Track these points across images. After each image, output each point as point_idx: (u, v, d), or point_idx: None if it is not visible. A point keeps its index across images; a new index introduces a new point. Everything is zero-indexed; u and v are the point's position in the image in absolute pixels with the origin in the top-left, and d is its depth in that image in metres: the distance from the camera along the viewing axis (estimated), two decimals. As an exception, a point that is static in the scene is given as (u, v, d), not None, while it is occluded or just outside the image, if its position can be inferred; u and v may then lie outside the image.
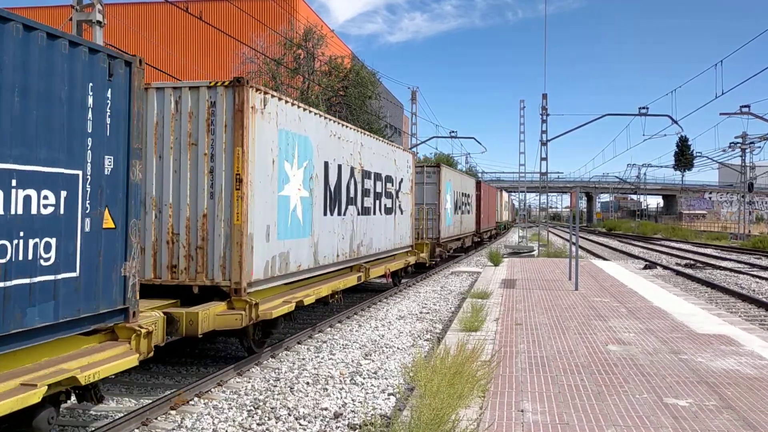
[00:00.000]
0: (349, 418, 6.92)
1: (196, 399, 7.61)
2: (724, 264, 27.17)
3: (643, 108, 31.84)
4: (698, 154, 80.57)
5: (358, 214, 13.27)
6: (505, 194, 60.87)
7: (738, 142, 50.31)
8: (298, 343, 10.80)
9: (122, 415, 6.82)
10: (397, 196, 16.76)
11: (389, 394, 7.82)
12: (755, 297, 16.55)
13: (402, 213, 17.19)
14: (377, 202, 14.67)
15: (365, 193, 13.77)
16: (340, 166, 12.14)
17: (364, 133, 14.03)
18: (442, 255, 23.77)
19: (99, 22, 11.17)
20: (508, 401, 6.32)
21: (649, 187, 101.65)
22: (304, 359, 9.69)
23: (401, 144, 51.70)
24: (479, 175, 77.84)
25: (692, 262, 28.40)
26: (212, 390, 8.02)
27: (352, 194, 12.84)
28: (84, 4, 11.41)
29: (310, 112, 10.62)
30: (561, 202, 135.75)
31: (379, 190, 14.90)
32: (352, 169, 12.93)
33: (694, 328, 10.33)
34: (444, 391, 5.71)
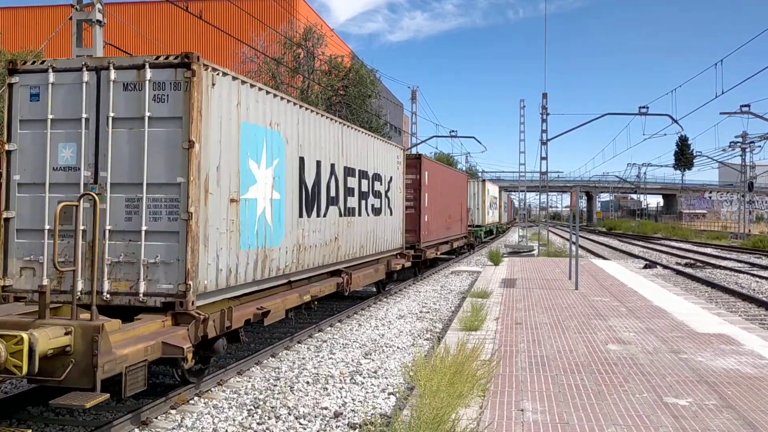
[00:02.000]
0: (349, 418, 6.92)
1: (196, 398, 7.62)
2: (724, 263, 27.17)
3: (643, 107, 31.84)
4: (698, 154, 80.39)
5: None
6: (492, 187, 43.51)
7: (738, 142, 50.32)
8: (298, 342, 10.80)
9: (123, 414, 6.83)
10: None
11: (389, 394, 7.82)
12: (755, 296, 16.55)
13: None
14: None
15: None
16: None
17: None
18: (187, 373, 7.66)
19: (99, 21, 11.15)
20: (508, 400, 6.32)
21: (649, 187, 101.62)
22: (304, 358, 9.70)
23: (401, 144, 51.67)
24: (479, 174, 73.92)
25: (692, 261, 28.39)
26: (212, 389, 8.03)
27: None
28: (84, 3, 11.39)
29: None
30: (561, 202, 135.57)
31: None
32: None
33: (694, 327, 10.33)
34: (444, 391, 5.71)
